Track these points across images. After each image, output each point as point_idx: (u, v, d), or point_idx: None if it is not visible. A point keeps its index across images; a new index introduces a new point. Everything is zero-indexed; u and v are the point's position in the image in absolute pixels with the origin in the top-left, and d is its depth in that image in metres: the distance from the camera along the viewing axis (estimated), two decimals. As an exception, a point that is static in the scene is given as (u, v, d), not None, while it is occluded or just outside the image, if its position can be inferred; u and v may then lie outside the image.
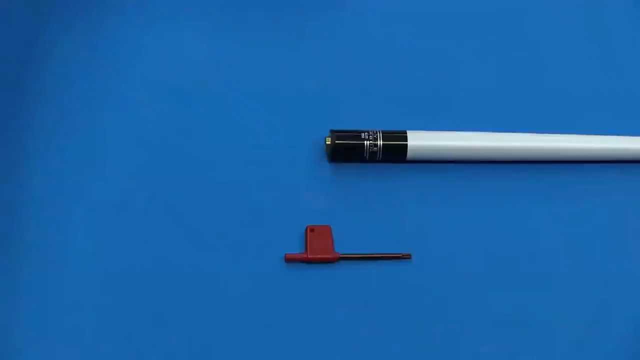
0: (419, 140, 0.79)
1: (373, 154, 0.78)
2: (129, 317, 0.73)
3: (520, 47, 0.86)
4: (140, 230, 0.75)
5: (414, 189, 0.79)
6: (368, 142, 0.78)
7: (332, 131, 0.79)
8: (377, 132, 0.79)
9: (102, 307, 0.73)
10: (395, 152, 0.79)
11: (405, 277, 0.76)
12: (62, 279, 0.74)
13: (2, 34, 0.81)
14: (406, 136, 0.79)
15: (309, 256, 0.76)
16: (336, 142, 0.78)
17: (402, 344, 0.73)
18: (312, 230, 0.76)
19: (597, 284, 0.77)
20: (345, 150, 0.78)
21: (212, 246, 0.76)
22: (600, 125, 0.82)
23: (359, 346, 0.74)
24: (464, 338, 0.73)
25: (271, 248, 0.76)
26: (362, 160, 0.79)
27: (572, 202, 0.80)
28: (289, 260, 0.76)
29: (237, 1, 0.86)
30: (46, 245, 0.74)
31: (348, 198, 0.78)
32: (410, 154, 0.79)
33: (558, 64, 0.86)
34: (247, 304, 0.74)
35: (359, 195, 0.79)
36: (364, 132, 0.79)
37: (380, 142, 0.78)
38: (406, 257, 0.77)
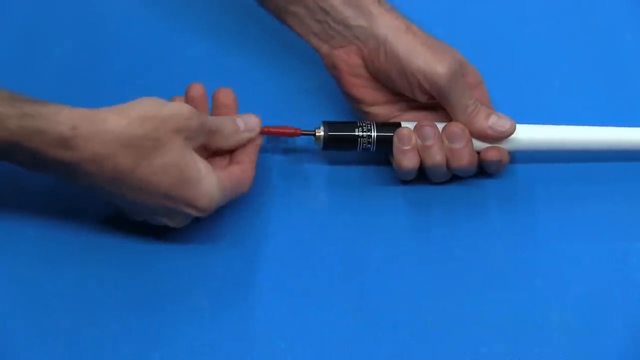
0: None
1: (366, 145, 0.77)
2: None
3: (517, 45, 0.87)
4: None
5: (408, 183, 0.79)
6: (362, 133, 0.77)
7: (324, 122, 0.78)
8: (370, 123, 0.78)
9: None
10: (389, 143, 0.77)
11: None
12: None
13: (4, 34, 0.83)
14: (400, 125, 0.78)
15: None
16: (329, 134, 0.77)
17: (402, 344, 0.73)
18: None
19: (598, 283, 0.76)
20: (338, 142, 0.77)
21: (211, 247, 0.76)
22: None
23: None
24: (464, 338, 0.73)
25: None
26: (355, 151, 0.78)
27: (572, 200, 0.80)
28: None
29: (235, 1, 0.87)
30: None
31: (343, 194, 0.79)
32: None
33: (554, 62, 0.87)
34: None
35: (354, 191, 0.79)
36: (357, 123, 0.77)
37: (374, 134, 0.77)
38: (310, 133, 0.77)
